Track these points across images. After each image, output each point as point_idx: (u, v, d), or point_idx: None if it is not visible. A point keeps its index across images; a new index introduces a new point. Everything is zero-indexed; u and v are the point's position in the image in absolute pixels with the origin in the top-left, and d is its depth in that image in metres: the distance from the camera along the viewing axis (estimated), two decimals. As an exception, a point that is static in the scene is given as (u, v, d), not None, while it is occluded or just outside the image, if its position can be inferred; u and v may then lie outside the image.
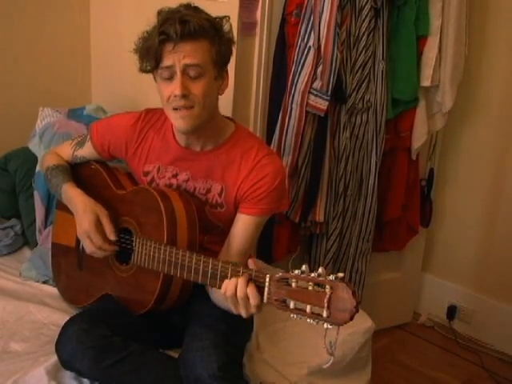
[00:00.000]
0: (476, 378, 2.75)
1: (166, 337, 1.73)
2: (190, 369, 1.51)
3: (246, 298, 1.38)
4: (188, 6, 1.59)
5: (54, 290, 2.00)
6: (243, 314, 1.42)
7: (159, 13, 1.59)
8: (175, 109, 1.58)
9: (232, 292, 1.39)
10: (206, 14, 1.60)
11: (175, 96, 1.55)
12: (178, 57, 1.53)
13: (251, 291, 1.37)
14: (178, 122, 1.59)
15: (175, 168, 1.74)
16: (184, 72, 1.54)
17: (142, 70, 1.62)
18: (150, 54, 1.56)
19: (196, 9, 1.60)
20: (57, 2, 2.66)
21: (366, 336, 1.97)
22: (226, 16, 1.64)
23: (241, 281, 1.38)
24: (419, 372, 2.75)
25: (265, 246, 2.41)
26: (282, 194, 1.70)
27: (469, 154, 2.94)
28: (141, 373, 1.55)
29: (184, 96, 1.54)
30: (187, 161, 1.72)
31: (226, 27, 1.62)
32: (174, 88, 1.54)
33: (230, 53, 1.65)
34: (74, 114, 2.41)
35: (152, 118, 1.78)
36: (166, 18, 1.55)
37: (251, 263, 1.41)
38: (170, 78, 1.56)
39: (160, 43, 1.53)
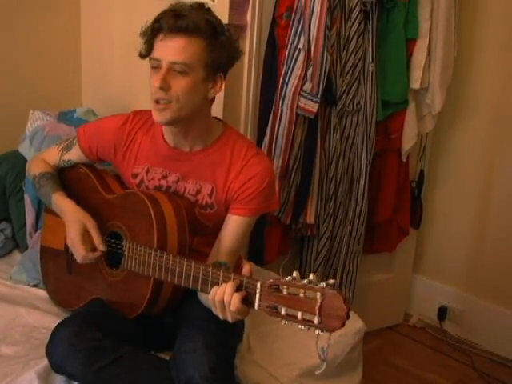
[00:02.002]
0: (467, 378, 2.76)
1: (157, 339, 1.73)
2: (181, 370, 1.51)
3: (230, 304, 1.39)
4: (196, 5, 1.60)
5: (44, 294, 2.00)
6: (229, 319, 1.43)
7: (172, 5, 1.61)
8: (155, 101, 1.58)
9: (220, 298, 1.40)
10: (213, 15, 1.61)
11: (155, 88, 1.56)
12: (166, 51, 1.55)
13: (234, 299, 1.37)
14: (155, 113, 1.61)
15: (164, 169, 1.73)
16: (170, 67, 1.55)
17: (140, 55, 1.64)
18: (145, 41, 1.60)
19: (201, 8, 1.60)
20: (47, 5, 2.65)
21: (356, 337, 1.97)
22: (238, 26, 1.66)
23: (228, 288, 1.38)
24: (410, 373, 2.75)
25: (256, 249, 2.41)
26: (271, 194, 1.71)
27: (458, 155, 2.96)
28: (132, 375, 1.55)
29: (162, 89, 1.55)
30: (176, 161, 1.72)
31: (234, 36, 1.63)
32: (156, 80, 1.56)
33: (230, 60, 1.64)
34: (65, 116, 2.41)
35: (140, 119, 1.78)
36: (168, 9, 1.57)
37: (246, 270, 1.41)
38: (157, 71, 1.57)
39: (153, 31, 1.57)
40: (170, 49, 1.55)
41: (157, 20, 1.56)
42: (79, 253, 1.68)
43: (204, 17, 1.57)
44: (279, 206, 2.33)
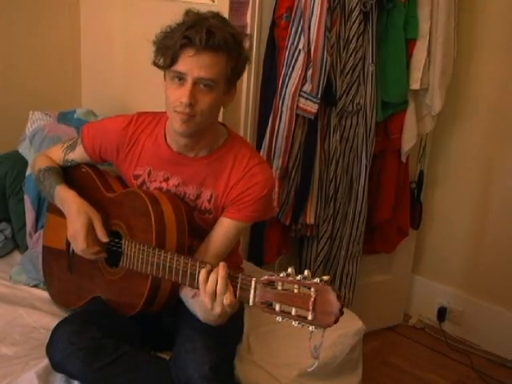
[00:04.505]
0: (466, 378, 2.76)
1: (157, 339, 1.74)
2: (181, 370, 1.51)
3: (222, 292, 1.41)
4: (216, 16, 1.58)
5: (44, 294, 2.00)
6: (217, 311, 1.44)
7: (187, 13, 1.58)
8: (177, 111, 1.57)
9: (212, 286, 1.42)
10: (232, 27, 1.59)
11: (181, 102, 1.54)
12: (194, 67, 1.52)
13: (229, 293, 1.40)
14: (178, 124, 1.58)
15: (166, 172, 1.74)
16: (195, 82, 1.54)
17: (155, 64, 1.61)
18: (168, 53, 1.55)
19: (224, 20, 1.59)
20: (47, 6, 2.65)
21: (356, 338, 1.97)
22: (247, 34, 1.65)
23: (221, 272, 1.41)
24: (410, 373, 2.76)
25: (255, 249, 2.41)
26: (267, 204, 1.71)
27: (458, 156, 2.96)
28: (132, 374, 1.55)
29: (190, 105, 1.54)
30: (179, 166, 1.72)
31: (246, 44, 1.62)
32: (182, 95, 1.53)
33: (244, 69, 1.65)
34: (65, 117, 2.41)
35: (144, 121, 1.77)
36: (194, 23, 1.53)
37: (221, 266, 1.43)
38: (180, 83, 1.55)
39: (181, 46, 1.52)
40: (198, 65, 1.52)
41: (186, 36, 1.51)
42: (80, 245, 1.67)
43: (229, 31, 1.55)
44: (277, 213, 2.34)
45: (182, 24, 1.55)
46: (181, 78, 1.55)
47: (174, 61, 1.54)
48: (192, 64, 1.52)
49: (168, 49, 1.55)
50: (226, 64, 1.55)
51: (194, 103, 1.54)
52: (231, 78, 1.60)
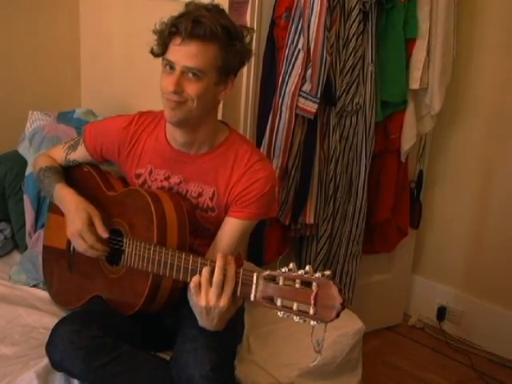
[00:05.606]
0: (466, 378, 2.76)
1: (158, 338, 1.74)
2: (182, 369, 1.51)
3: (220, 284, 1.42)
4: (212, 8, 1.59)
5: (43, 294, 2.00)
6: (211, 302, 1.43)
7: (187, 4, 1.60)
8: (167, 98, 1.59)
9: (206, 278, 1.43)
10: (228, 19, 1.60)
11: (168, 91, 1.56)
12: (181, 56, 1.55)
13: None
14: (167, 111, 1.60)
15: (167, 171, 1.74)
16: (183, 71, 1.56)
17: (151, 52, 1.64)
18: (160, 41, 1.59)
19: (220, 12, 1.60)
20: (46, 5, 2.65)
21: (356, 337, 1.97)
22: (251, 28, 1.66)
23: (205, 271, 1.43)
24: (409, 373, 2.75)
25: (255, 249, 2.41)
26: (271, 200, 1.71)
27: (457, 156, 2.96)
28: (132, 374, 1.55)
29: (176, 92, 1.56)
30: (180, 163, 1.72)
31: (246, 38, 1.63)
32: (170, 83, 1.56)
33: (241, 63, 1.65)
34: (64, 117, 2.41)
35: (145, 121, 1.78)
36: (186, 12, 1.57)
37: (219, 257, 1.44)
38: (170, 71, 1.58)
39: (169, 34, 1.56)
40: (185, 54, 1.54)
41: (174, 24, 1.55)
42: (88, 240, 1.67)
43: (220, 22, 1.56)
44: (277, 213, 2.34)
45: (178, 14, 1.58)
46: (171, 66, 1.57)
47: (164, 49, 1.59)
48: (180, 53, 1.55)
49: (160, 37, 1.59)
50: (215, 54, 1.56)
51: (180, 91, 1.56)
52: (223, 69, 1.60)
